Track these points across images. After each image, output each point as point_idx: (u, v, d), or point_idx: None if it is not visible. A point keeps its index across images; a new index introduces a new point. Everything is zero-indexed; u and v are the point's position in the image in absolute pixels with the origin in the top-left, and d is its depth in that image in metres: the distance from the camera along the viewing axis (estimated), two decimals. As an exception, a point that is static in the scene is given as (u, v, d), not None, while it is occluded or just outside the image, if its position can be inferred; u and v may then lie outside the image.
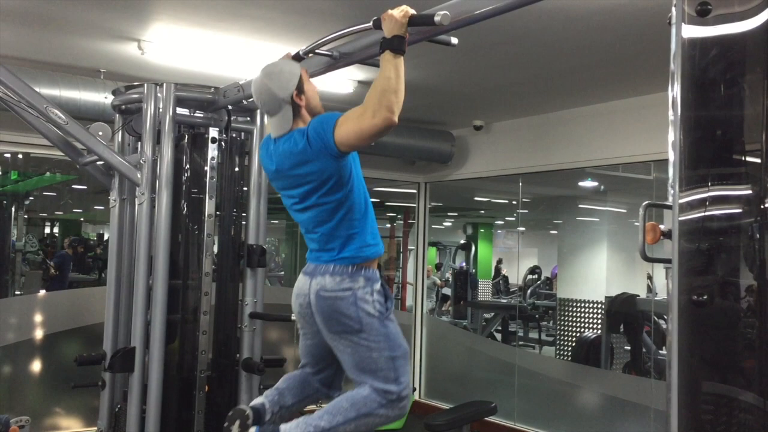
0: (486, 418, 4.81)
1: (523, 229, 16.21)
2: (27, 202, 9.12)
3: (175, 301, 3.45)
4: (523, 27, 3.66)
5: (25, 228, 9.09)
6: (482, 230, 15.04)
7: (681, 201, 1.36)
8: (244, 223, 3.64)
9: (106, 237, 13.39)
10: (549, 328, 9.88)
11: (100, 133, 3.49)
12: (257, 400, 2.70)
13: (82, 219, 13.87)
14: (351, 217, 2.48)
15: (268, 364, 3.56)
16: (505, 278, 15.31)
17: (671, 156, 1.44)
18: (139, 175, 3.38)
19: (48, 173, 7.35)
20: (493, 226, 15.05)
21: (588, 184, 6.95)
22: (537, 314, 9.21)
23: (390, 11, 2.22)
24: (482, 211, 13.55)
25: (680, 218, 1.31)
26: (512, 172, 5.98)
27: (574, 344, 6.55)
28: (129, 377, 3.34)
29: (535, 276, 12.90)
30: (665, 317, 6.52)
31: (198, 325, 3.47)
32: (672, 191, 1.38)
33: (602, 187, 6.85)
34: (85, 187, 8.92)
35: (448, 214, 14.00)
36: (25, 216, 9.17)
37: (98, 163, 3.65)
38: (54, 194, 9.98)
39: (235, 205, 3.63)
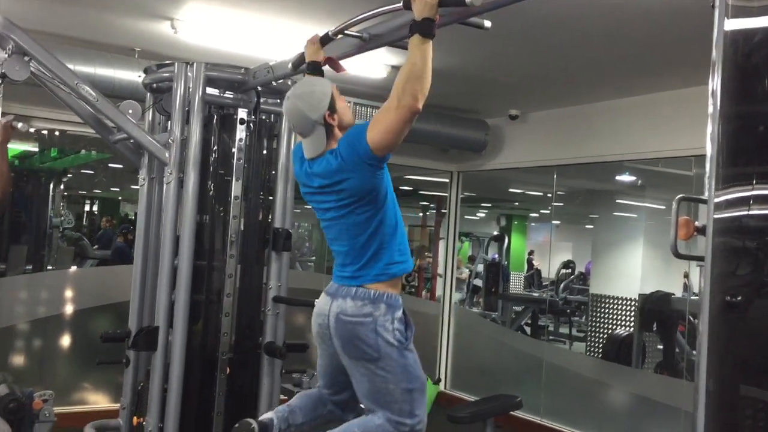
0: (511, 413, 4.73)
1: (558, 222, 16.07)
2: (65, 179, 9.24)
3: (199, 282, 3.44)
4: (562, 14, 3.55)
5: (63, 205, 9.21)
6: (516, 222, 14.89)
7: (718, 196, 1.27)
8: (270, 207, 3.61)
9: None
10: (580, 323, 9.74)
11: (130, 111, 3.49)
12: (266, 415, 2.67)
13: (120, 198, 14.04)
14: (381, 232, 2.43)
15: (290, 349, 3.54)
16: (538, 272, 15.13)
17: (708, 150, 1.36)
18: (167, 155, 3.36)
19: (83, 151, 7.42)
20: (527, 218, 14.89)
21: (625, 178, 6.80)
22: (568, 309, 9.06)
23: (420, -7, 2.15)
24: (516, 203, 13.39)
25: (716, 215, 1.23)
26: (547, 164, 5.87)
27: (605, 341, 6.42)
28: (152, 356, 3.35)
29: (569, 270, 12.74)
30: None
31: (221, 306, 3.46)
32: (708, 186, 1.29)
33: (639, 182, 6.69)
34: (121, 165, 9.01)
35: (482, 204, 13.87)
36: (64, 193, 9.30)
37: (128, 141, 3.65)
38: (91, 172, 10.10)
39: (262, 188, 3.60)
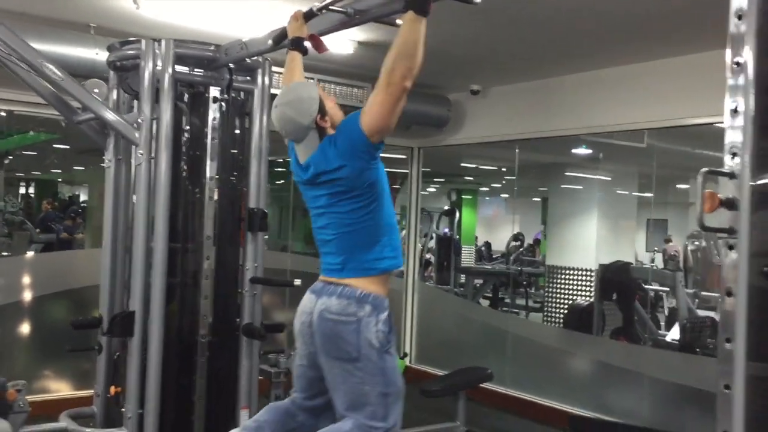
0: (479, 385, 4.81)
1: (507, 195, 16.29)
2: (6, 162, 8.89)
3: (174, 265, 3.37)
4: None
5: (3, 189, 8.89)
6: (467, 196, 15.03)
7: (755, 170, 1.31)
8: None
9: (82, 198, 13.21)
10: (533, 294, 9.94)
11: (96, 91, 3.36)
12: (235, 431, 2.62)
13: (59, 180, 13.64)
14: (373, 224, 2.41)
15: (267, 330, 3.51)
16: (488, 244, 15.36)
17: (729, 121, 1.39)
18: (137, 135, 3.26)
19: (31, 132, 7.15)
20: (478, 192, 15.04)
21: (581, 151, 6.92)
22: (524, 281, 9.24)
23: (415, -34, 2.13)
24: (470, 178, 13.52)
25: (752, 184, 1.26)
26: (509, 138, 5.92)
27: (566, 311, 6.57)
28: (128, 342, 3.27)
29: (519, 243, 12.96)
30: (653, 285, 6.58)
31: (198, 289, 3.40)
32: (739, 159, 1.33)
33: (601, 154, 6.83)
34: (67, 146, 8.71)
35: (434, 180, 13.96)
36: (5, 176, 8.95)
37: (93, 122, 3.53)
38: (35, 154, 9.75)
39: (234, 167, 3.53)
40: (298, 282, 3.47)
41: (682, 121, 5.06)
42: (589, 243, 7.56)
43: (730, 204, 1.37)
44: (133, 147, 3.38)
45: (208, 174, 3.38)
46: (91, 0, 3.95)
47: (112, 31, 4.38)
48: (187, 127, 3.42)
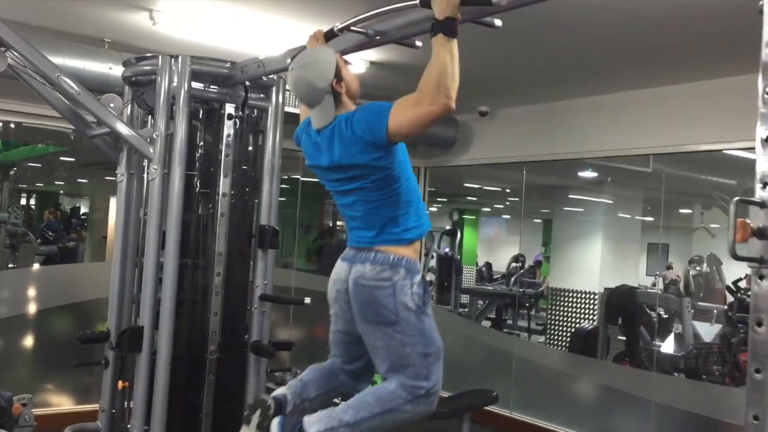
0: (485, 407, 4.78)
1: (508, 216, 16.30)
2: (11, 173, 8.91)
3: (184, 281, 3.37)
4: (536, 13, 3.58)
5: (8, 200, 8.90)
6: (468, 216, 15.04)
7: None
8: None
9: (82, 210, 13.21)
10: (534, 316, 9.91)
11: (111, 105, 3.38)
12: (279, 391, 2.62)
13: (61, 192, 13.65)
14: (396, 200, 2.40)
15: (277, 348, 3.50)
16: (489, 265, 15.34)
17: (760, 151, 1.41)
18: (151, 150, 3.27)
19: (40, 144, 7.18)
20: (480, 212, 15.06)
21: (587, 174, 6.95)
22: (529, 303, 9.23)
23: (439, -9, 2.14)
24: (474, 198, 13.55)
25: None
26: (515, 160, 5.94)
27: (570, 334, 6.55)
28: (136, 357, 3.26)
29: (519, 264, 12.95)
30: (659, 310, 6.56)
31: (208, 305, 3.39)
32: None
33: (609, 178, 6.84)
34: (73, 159, 8.72)
35: (436, 199, 14.00)
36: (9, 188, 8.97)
37: (106, 136, 3.54)
38: (39, 165, 9.77)
39: (247, 184, 3.54)
40: (308, 300, 3.46)
41: (687, 147, 5.08)
42: (592, 266, 7.56)
43: (762, 233, 1.38)
44: (146, 161, 3.39)
45: (221, 190, 3.38)
46: (106, 15, 3.98)
47: (126, 46, 4.41)
48: (201, 143, 3.43)
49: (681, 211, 9.57)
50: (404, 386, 2.36)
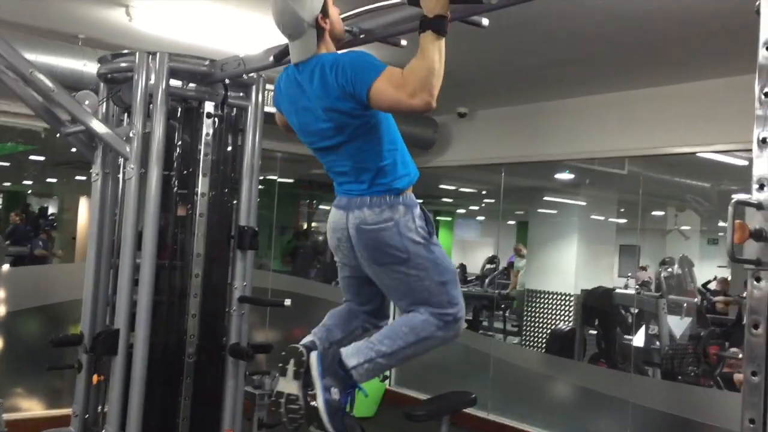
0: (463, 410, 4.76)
1: (483, 218, 16.36)
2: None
3: (160, 282, 3.30)
4: (517, 14, 3.57)
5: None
6: (443, 218, 15.07)
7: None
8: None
9: (50, 210, 12.98)
10: (509, 317, 9.94)
11: (87, 102, 3.29)
12: (307, 339, 2.60)
13: (29, 191, 13.42)
14: (380, 149, 2.35)
15: (256, 350, 3.45)
16: (463, 266, 15.39)
17: (757, 152, 1.39)
18: (128, 149, 3.19)
19: (9, 143, 7.02)
20: (455, 214, 15.10)
21: (564, 176, 6.98)
22: (505, 304, 9.25)
23: (429, -12, 2.11)
24: (449, 200, 13.58)
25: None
26: (494, 162, 5.94)
27: (548, 336, 6.57)
28: (111, 360, 3.18)
29: (494, 265, 12.99)
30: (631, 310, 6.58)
31: (185, 307, 3.33)
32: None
33: (587, 180, 6.88)
34: (43, 158, 8.56)
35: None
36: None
37: (80, 134, 3.45)
38: (7, 164, 9.57)
39: (226, 184, 3.48)
40: (288, 302, 3.41)
41: (663, 150, 5.12)
42: (568, 267, 7.60)
43: (759, 235, 1.37)
44: (122, 160, 3.32)
45: (199, 190, 3.32)
46: (81, 11, 3.90)
47: (100, 42, 4.33)
48: (179, 142, 3.37)
49: (655, 213, 9.65)
50: (433, 314, 2.38)
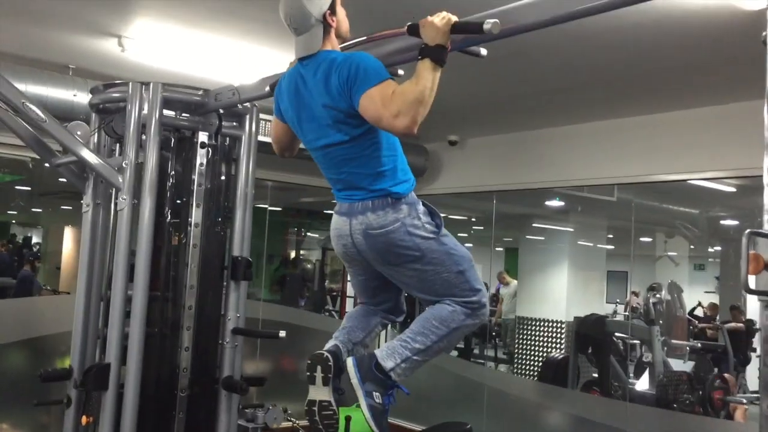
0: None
1: (471, 245, 16.35)
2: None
3: (152, 314, 3.24)
4: (506, 44, 3.59)
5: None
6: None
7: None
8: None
9: (34, 240, 12.85)
10: (500, 345, 9.89)
11: (79, 133, 3.27)
12: (329, 344, 2.57)
13: (13, 221, 13.29)
14: (379, 154, 2.33)
15: (250, 383, 3.39)
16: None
17: (766, 179, 1.39)
18: (120, 179, 3.16)
19: (-2, 173, 6.96)
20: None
21: (554, 203, 6.99)
22: (496, 332, 9.21)
23: (430, 18, 2.10)
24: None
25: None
26: (484, 189, 5.95)
27: (542, 364, 6.53)
28: (101, 395, 3.11)
29: (482, 292, 12.93)
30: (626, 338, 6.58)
31: (178, 340, 3.27)
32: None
33: (579, 207, 6.90)
34: (29, 188, 8.48)
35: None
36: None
37: (71, 164, 3.42)
38: (-6, 194, 9.48)
39: (219, 214, 3.45)
40: (282, 334, 3.36)
41: (652, 177, 5.14)
42: (559, 294, 7.59)
43: (772, 266, 1.35)
44: (114, 191, 3.28)
45: (193, 220, 3.28)
46: (72, 41, 3.88)
47: (91, 72, 4.31)
48: (172, 172, 3.33)
49: (644, 239, 9.69)
50: (459, 303, 2.38)
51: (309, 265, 12.43)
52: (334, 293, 11.68)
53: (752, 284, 1.36)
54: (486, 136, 5.86)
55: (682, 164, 4.95)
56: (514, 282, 10.22)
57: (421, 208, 2.38)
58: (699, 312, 10.39)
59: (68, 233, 10.38)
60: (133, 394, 3.06)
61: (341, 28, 2.41)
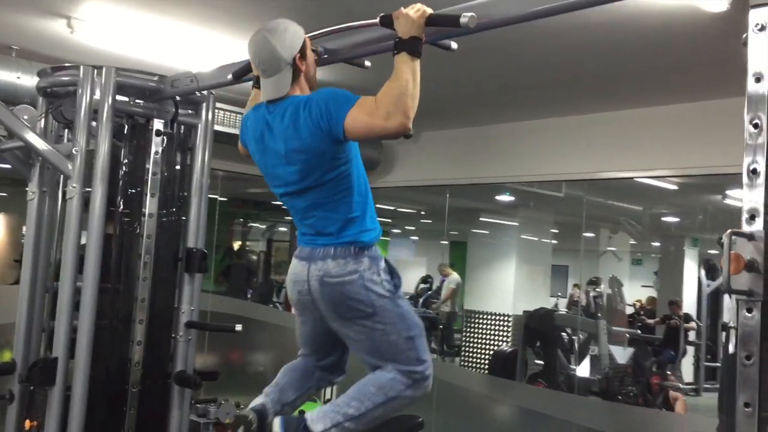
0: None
1: (416, 238, 16.44)
2: None
3: (102, 307, 3.13)
4: (464, 40, 3.59)
5: None
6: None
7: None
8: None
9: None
10: (446, 338, 9.98)
11: (25, 117, 3.12)
12: (257, 401, 2.47)
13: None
14: (350, 200, 2.29)
15: (203, 378, 3.31)
16: (396, 286, 15.37)
17: (747, 182, 1.41)
18: (70, 166, 3.03)
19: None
20: (390, 234, 15.11)
21: (504, 198, 7.06)
22: (443, 325, 9.28)
23: (404, 10, 2.08)
24: (388, 220, 13.59)
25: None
26: (438, 183, 5.96)
27: (490, 357, 6.60)
28: (47, 392, 2.99)
29: (427, 285, 13.06)
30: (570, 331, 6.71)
31: (130, 333, 3.17)
32: (759, 220, 1.34)
33: (532, 203, 6.98)
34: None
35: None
36: None
37: (16, 150, 3.27)
38: None
39: (173, 204, 3.35)
40: (239, 327, 3.30)
41: (600, 174, 5.24)
42: (506, 288, 7.68)
43: (751, 266, 1.37)
44: (61, 178, 3.16)
45: (147, 210, 3.17)
46: (17, 21, 3.71)
47: (36, 54, 4.13)
48: (125, 161, 3.22)
49: (588, 234, 9.89)
50: (401, 372, 2.30)
51: (254, 257, 12.29)
52: (281, 285, 11.59)
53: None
54: (441, 130, 5.88)
55: (628, 162, 5.06)
56: (455, 274, 10.37)
57: (382, 264, 2.31)
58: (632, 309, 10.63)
59: (1, 220, 10.00)
60: (81, 390, 2.95)
61: (309, 73, 2.36)
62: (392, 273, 2.33)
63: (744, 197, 1.43)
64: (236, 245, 12.49)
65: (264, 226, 12.94)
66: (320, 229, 2.32)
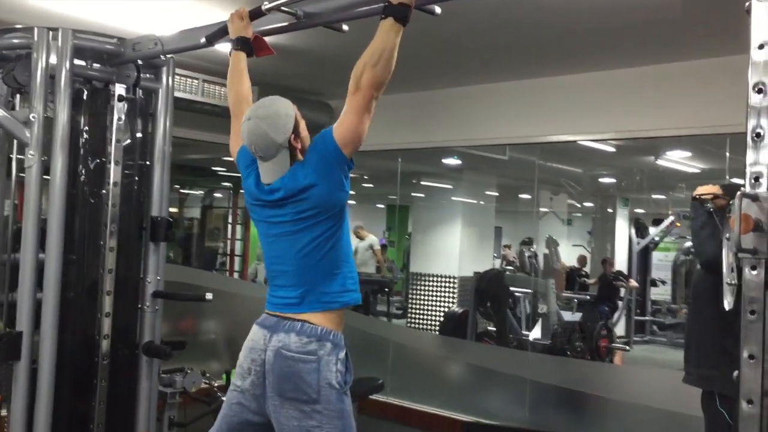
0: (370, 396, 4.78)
1: (354, 202, 16.46)
2: None
3: (66, 279, 3.04)
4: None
5: None
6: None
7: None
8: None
9: None
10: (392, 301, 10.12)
11: (-24, 82, 2.97)
12: None
13: None
14: (337, 253, 2.26)
15: (173, 348, 3.27)
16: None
17: (751, 145, 1.48)
18: (28, 134, 2.91)
19: None
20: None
21: (450, 161, 7.13)
22: (386, 288, 9.38)
23: (397, -26, 2.06)
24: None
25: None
26: (389, 148, 5.96)
27: (443, 317, 6.73)
28: (13, 367, 2.90)
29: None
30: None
31: (97, 305, 3.09)
32: (764, 181, 1.42)
33: (473, 165, 7.06)
34: None
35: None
36: None
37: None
38: None
39: (136, 172, 3.26)
40: (210, 296, 3.26)
41: (544, 138, 5.34)
42: (452, 251, 7.80)
43: (755, 226, 1.45)
44: (8, 145, 3.04)
45: (111, 179, 3.08)
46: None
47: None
48: (85, 128, 3.11)
49: (524, 196, 10.13)
50: None
51: (193, 225, 12.07)
52: (220, 252, 11.45)
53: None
54: (392, 95, 5.85)
55: (572, 126, 5.18)
56: (371, 236, 10.56)
57: (342, 355, 2.24)
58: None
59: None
60: (49, 364, 2.89)
61: (304, 144, 2.34)
62: (347, 368, 2.27)
63: (748, 160, 1.49)
64: (174, 212, 12.23)
65: (202, 193, 12.70)
66: (294, 282, 2.29)
